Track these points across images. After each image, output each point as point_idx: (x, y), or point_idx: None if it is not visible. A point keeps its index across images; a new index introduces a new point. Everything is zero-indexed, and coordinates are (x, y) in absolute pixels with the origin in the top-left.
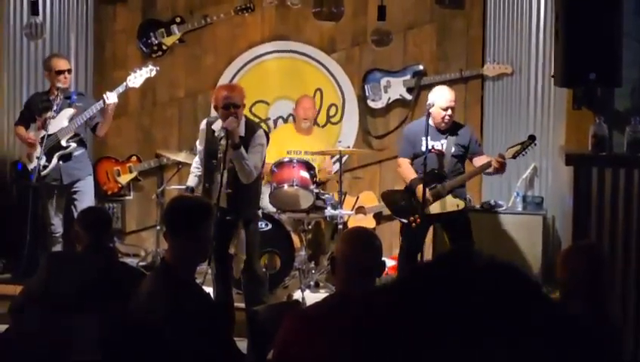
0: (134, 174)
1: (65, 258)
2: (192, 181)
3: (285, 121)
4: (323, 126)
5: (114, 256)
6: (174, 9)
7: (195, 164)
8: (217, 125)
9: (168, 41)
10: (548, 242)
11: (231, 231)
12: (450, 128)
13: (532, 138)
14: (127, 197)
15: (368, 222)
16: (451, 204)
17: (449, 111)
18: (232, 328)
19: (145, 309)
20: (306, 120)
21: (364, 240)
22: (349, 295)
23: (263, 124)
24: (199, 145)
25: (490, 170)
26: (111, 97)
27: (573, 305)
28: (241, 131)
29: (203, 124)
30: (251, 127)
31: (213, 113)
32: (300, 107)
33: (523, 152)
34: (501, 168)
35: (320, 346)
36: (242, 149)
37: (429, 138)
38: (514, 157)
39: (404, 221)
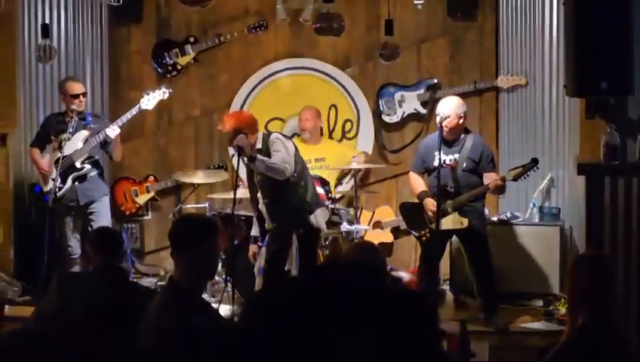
0: (152, 194)
1: (75, 279)
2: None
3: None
4: (339, 141)
5: (124, 276)
6: (188, 29)
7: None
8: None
9: (183, 60)
10: (566, 253)
11: (282, 245)
12: (462, 140)
13: (534, 161)
14: (146, 217)
15: (386, 236)
16: (456, 221)
17: (444, 123)
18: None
19: (154, 328)
20: (304, 130)
21: (365, 253)
22: None
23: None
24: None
25: (488, 190)
26: (111, 133)
27: (580, 316)
28: (258, 144)
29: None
30: (265, 137)
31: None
32: (299, 118)
33: (525, 175)
34: (499, 190)
35: None
36: (259, 156)
37: (440, 152)
38: (515, 179)
39: (416, 234)
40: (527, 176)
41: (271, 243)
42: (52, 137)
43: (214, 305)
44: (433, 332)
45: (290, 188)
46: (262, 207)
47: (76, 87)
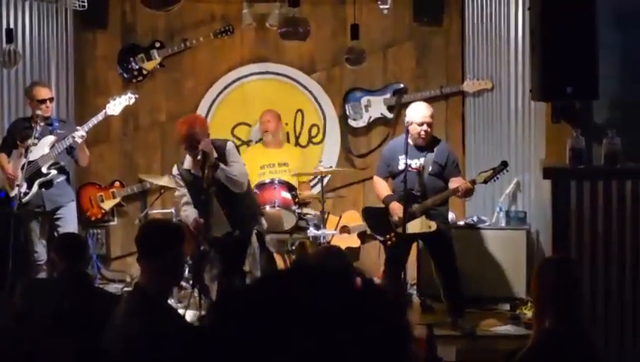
0: (118, 200)
1: (40, 285)
2: (193, 216)
3: None
4: (305, 146)
5: (90, 281)
6: (154, 34)
7: (184, 207)
8: (188, 162)
9: (149, 65)
10: (532, 256)
11: (243, 250)
12: (429, 145)
13: (504, 164)
14: (112, 223)
15: (353, 241)
16: (424, 225)
17: (425, 127)
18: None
19: (120, 334)
20: (266, 132)
21: (329, 256)
22: None
23: (244, 146)
24: (182, 189)
25: (457, 194)
26: (78, 137)
27: (546, 319)
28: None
29: (175, 170)
30: (220, 144)
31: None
32: (260, 121)
33: (494, 178)
34: (468, 193)
35: None
36: (221, 165)
37: (407, 156)
38: (485, 182)
39: (381, 239)
40: (497, 178)
41: (238, 249)
42: (18, 142)
43: (181, 311)
44: (403, 333)
45: (245, 194)
46: (218, 216)
47: (43, 92)
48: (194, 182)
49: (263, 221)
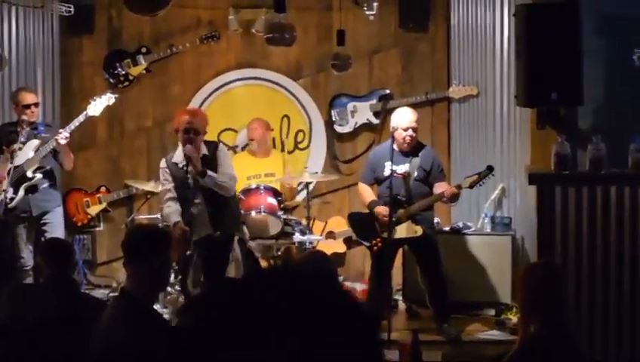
0: (104, 205)
1: (26, 290)
2: (175, 215)
3: None
4: (290, 152)
5: (75, 287)
6: (140, 39)
7: (168, 203)
8: (178, 156)
9: (135, 71)
10: (517, 262)
11: (226, 251)
12: (413, 150)
13: (490, 168)
14: (98, 228)
15: (338, 246)
16: (410, 230)
17: (410, 132)
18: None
19: (106, 339)
20: (252, 140)
21: (314, 261)
22: None
23: (230, 152)
24: (167, 184)
25: (443, 198)
26: (61, 139)
27: (532, 324)
28: (203, 149)
29: (163, 163)
30: (212, 144)
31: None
32: (248, 128)
33: (480, 182)
34: (454, 198)
35: None
36: (209, 172)
37: (392, 162)
38: (471, 186)
39: (367, 244)
40: (483, 183)
41: (220, 251)
42: (4, 147)
43: (166, 316)
44: (374, 342)
45: (231, 197)
46: (201, 215)
47: (28, 98)
48: (180, 178)
49: (245, 229)
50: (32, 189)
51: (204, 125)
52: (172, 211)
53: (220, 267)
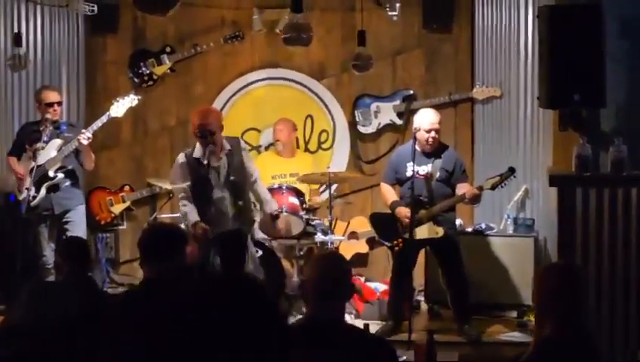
0: (127, 204)
1: (45, 288)
2: (194, 214)
3: None
4: (314, 152)
5: (94, 285)
6: (164, 39)
7: (183, 201)
8: (199, 151)
9: (159, 70)
10: (540, 264)
11: (245, 246)
12: (436, 151)
13: (511, 170)
14: (121, 227)
15: (361, 246)
16: (431, 230)
17: (432, 133)
18: None
19: None
20: (278, 141)
21: (328, 263)
22: (314, 319)
23: (254, 152)
24: (182, 183)
25: (465, 200)
26: (83, 140)
27: (547, 326)
28: (226, 145)
29: (182, 158)
30: (234, 140)
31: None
32: (273, 129)
33: (502, 184)
34: (475, 199)
35: None
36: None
37: (414, 162)
38: (492, 188)
39: (388, 244)
40: (505, 185)
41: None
42: (26, 146)
43: None
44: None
45: (247, 192)
46: (225, 210)
47: (51, 96)
48: (201, 174)
49: (256, 226)
50: (54, 188)
51: (218, 123)
52: (190, 210)
53: (240, 263)
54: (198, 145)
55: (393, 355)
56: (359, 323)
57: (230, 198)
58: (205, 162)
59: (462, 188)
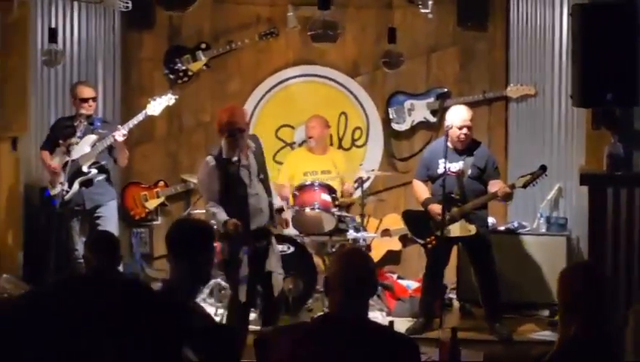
0: (161, 199)
1: (72, 282)
2: (222, 213)
3: None
4: (347, 149)
5: (121, 279)
6: (200, 35)
7: (210, 203)
8: (228, 152)
9: (194, 67)
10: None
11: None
12: (468, 148)
13: (543, 168)
14: (155, 222)
15: (394, 244)
16: (463, 228)
17: (464, 130)
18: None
19: None
20: (310, 138)
21: (352, 260)
22: (337, 316)
23: (287, 148)
24: (212, 186)
25: (497, 198)
26: (119, 136)
27: (571, 326)
28: (251, 144)
29: (212, 161)
30: (253, 137)
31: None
32: (306, 126)
33: (533, 182)
34: (507, 197)
35: None
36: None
37: (446, 159)
38: (524, 186)
39: (421, 242)
40: (537, 183)
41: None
42: (60, 141)
43: (220, 311)
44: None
45: None
46: (259, 205)
47: (86, 92)
48: (232, 174)
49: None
50: (87, 183)
51: (245, 121)
52: (218, 210)
53: (264, 259)
54: (224, 145)
55: (416, 354)
56: (391, 321)
57: (263, 194)
58: (236, 159)
59: (494, 186)
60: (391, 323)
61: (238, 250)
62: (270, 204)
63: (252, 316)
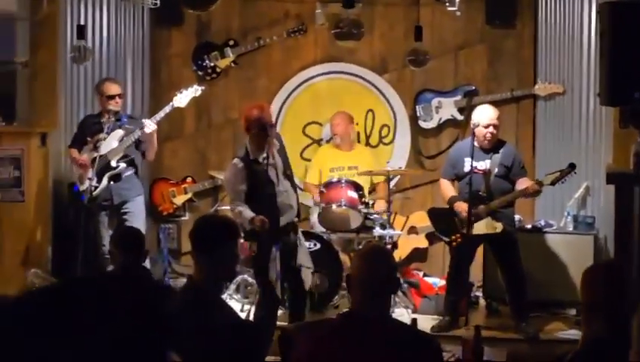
0: (189, 195)
1: (99, 278)
2: (248, 211)
3: None
4: (375, 146)
5: (146, 274)
6: (228, 32)
7: (236, 202)
8: (256, 152)
9: (222, 63)
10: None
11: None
12: (494, 147)
13: (572, 166)
14: (183, 218)
15: (420, 241)
16: (489, 226)
17: (490, 129)
18: (266, 346)
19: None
20: (336, 135)
21: (374, 258)
22: (358, 314)
23: (315, 145)
24: (238, 186)
25: (525, 195)
26: (149, 126)
27: (593, 325)
28: (276, 142)
29: (239, 163)
30: (276, 133)
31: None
32: (330, 123)
33: (562, 180)
34: (535, 194)
35: None
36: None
37: (472, 158)
38: (552, 184)
39: (446, 239)
40: (565, 181)
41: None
42: (88, 138)
43: (247, 306)
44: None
45: None
46: (288, 201)
47: (112, 88)
48: (260, 174)
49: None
50: (116, 178)
51: (271, 117)
52: (244, 208)
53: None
54: (250, 144)
55: (438, 354)
56: (414, 319)
57: (291, 190)
58: (264, 156)
59: (522, 183)
60: (414, 321)
61: (265, 246)
62: (297, 200)
63: (279, 312)
